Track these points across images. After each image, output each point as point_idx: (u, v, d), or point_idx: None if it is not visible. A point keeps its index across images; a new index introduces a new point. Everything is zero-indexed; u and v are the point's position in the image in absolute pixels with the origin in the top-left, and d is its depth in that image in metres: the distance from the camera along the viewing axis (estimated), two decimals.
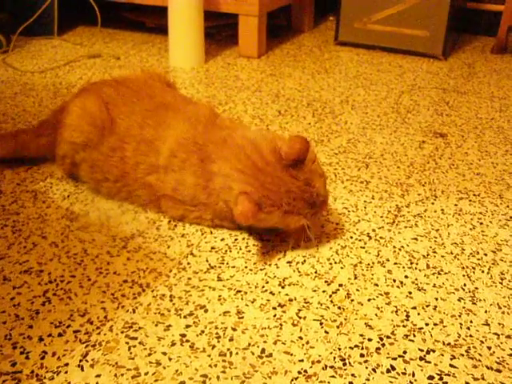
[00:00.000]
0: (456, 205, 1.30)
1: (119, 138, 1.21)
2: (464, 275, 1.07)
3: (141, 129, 1.21)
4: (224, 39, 2.55)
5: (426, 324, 0.95)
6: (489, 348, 0.90)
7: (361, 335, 0.92)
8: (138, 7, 2.58)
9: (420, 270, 1.08)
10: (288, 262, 1.09)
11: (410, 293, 1.02)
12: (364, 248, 1.14)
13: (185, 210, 1.18)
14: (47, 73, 2.06)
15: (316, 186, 1.07)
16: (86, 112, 1.25)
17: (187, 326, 0.92)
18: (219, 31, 2.60)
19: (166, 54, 2.27)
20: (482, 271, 1.08)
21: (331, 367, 0.85)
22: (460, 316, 0.97)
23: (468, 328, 0.94)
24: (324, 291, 1.01)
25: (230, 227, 1.19)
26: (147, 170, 1.19)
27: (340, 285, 1.03)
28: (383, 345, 0.90)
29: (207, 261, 1.09)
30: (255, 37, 2.27)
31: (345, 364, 0.86)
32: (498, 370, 0.86)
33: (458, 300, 1.00)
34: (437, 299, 1.00)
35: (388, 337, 0.92)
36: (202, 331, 0.92)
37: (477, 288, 1.04)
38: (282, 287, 1.02)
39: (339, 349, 0.89)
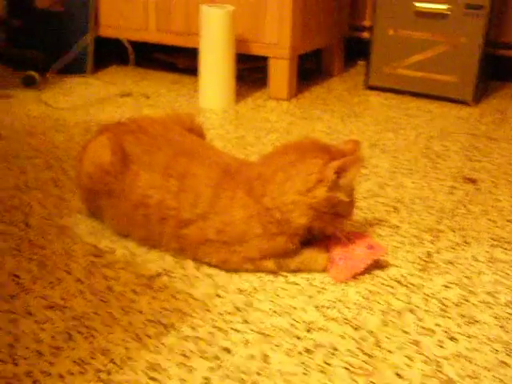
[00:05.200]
0: (488, 252, 1.27)
1: (141, 193, 1.17)
2: (497, 325, 1.03)
3: (164, 180, 1.16)
4: (255, 81, 2.57)
5: (459, 376, 0.91)
6: None
7: None
8: (170, 48, 2.62)
9: (452, 319, 1.05)
10: (315, 307, 1.06)
11: (442, 342, 0.98)
12: (393, 294, 1.11)
13: (228, 252, 1.13)
14: (78, 110, 2.09)
15: None
16: (101, 159, 1.22)
17: (211, 369, 0.90)
18: (250, 73, 2.63)
19: (196, 94, 2.29)
20: None
21: None
22: (494, 368, 0.93)
23: (501, 381, 0.90)
24: (352, 337, 0.99)
25: (271, 268, 1.14)
26: (177, 225, 1.15)
27: (368, 331, 1.00)
28: None
29: (233, 302, 1.07)
30: (286, 79, 2.28)
31: None
32: None
33: (492, 351, 0.97)
34: (469, 350, 0.97)
35: None
36: (227, 375, 0.89)
37: None
38: (309, 331, 1.00)
39: None
